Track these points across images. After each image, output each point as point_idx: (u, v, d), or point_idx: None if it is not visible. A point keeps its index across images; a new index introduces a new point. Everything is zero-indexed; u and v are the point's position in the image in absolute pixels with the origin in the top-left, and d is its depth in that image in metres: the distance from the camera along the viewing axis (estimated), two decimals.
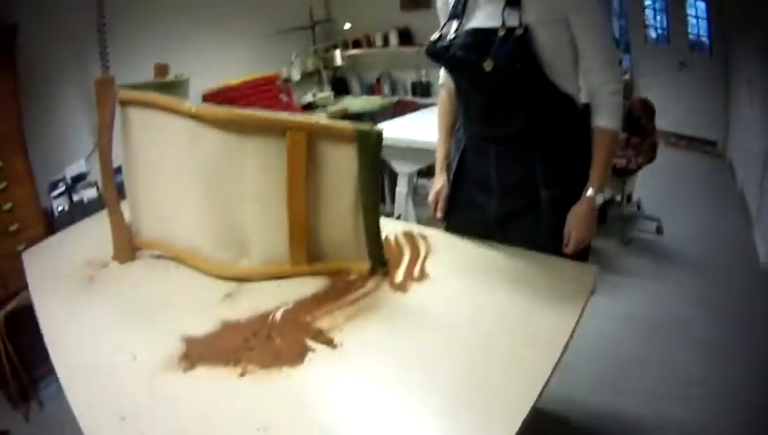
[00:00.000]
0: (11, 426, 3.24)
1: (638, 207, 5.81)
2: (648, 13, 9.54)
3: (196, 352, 1.62)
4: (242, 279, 2.04)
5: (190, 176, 2.02)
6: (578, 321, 1.71)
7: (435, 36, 2.22)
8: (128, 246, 2.23)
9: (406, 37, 7.96)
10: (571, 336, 1.64)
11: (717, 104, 7.99)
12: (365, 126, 1.90)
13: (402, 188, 4.73)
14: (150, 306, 1.90)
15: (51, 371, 1.60)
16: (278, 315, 1.80)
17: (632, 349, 3.66)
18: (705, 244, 5.19)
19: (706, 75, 8.19)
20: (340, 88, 8.34)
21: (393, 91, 8.31)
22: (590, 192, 2.10)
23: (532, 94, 2.08)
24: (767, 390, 3.17)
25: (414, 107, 6.57)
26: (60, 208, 4.30)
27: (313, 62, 7.87)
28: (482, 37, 2.04)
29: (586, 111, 2.15)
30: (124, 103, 2.10)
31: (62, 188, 4.36)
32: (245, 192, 1.99)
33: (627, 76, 9.45)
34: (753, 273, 4.57)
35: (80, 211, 4.07)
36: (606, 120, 2.08)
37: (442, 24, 2.25)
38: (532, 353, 1.57)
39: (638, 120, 5.27)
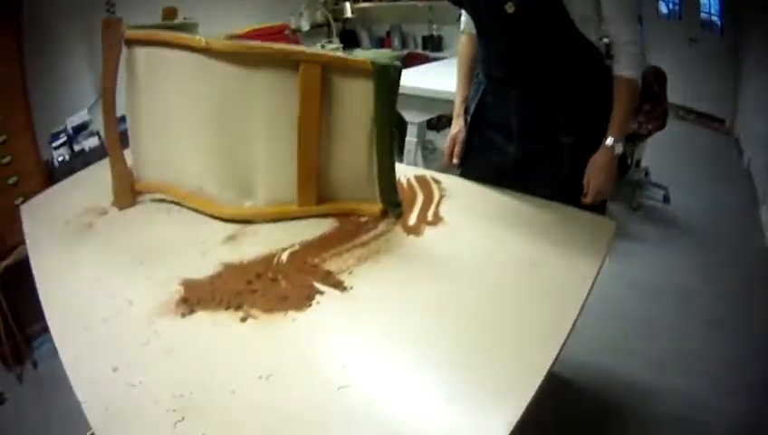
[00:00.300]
0: (4, 388, 3.17)
1: (647, 175, 5.74)
2: None
3: (196, 296, 1.52)
4: (246, 221, 1.96)
5: (196, 113, 1.94)
6: (596, 277, 1.63)
7: None
8: (128, 192, 2.14)
9: None
10: (589, 292, 1.56)
11: (726, 83, 7.97)
12: (383, 60, 1.80)
13: (412, 138, 4.61)
14: (149, 251, 1.80)
15: (45, 329, 1.50)
16: (284, 257, 1.70)
17: (637, 315, 3.62)
18: (711, 218, 5.14)
19: (716, 54, 8.16)
20: (350, 41, 8.20)
21: (403, 45, 8.18)
22: (609, 141, 2.04)
23: (555, 37, 2.02)
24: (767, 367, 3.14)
25: (424, 60, 6.47)
26: (60, 159, 4.20)
27: (322, 14, 7.71)
28: None
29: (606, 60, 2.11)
30: (131, 43, 2.00)
31: (63, 139, 4.27)
32: (253, 129, 1.89)
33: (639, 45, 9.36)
34: (758, 251, 4.54)
35: (81, 161, 3.96)
36: (625, 68, 2.02)
37: None
38: (550, 309, 1.49)
39: (650, 86, 5.21)
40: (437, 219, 1.94)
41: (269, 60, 1.80)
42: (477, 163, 2.41)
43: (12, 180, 3.62)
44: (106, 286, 1.61)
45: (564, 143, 2.14)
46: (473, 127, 2.39)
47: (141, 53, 2.00)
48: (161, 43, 1.93)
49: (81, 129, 4.34)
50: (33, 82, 3.99)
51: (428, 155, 4.99)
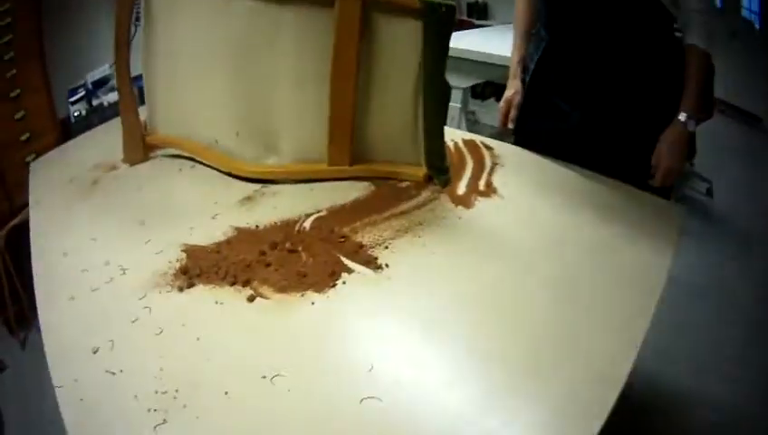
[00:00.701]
0: (6, 355, 3.05)
1: (692, 164, 5.54)
2: None
3: (197, 267, 1.28)
4: (268, 180, 1.74)
5: (216, 56, 1.73)
6: (672, 261, 1.46)
7: None
8: (139, 145, 1.94)
9: None
10: (666, 278, 1.38)
11: (765, 81, 7.84)
12: None
13: (456, 103, 4.35)
14: (153, 211, 1.59)
15: None
16: (307, 224, 1.46)
17: (674, 313, 3.37)
18: (755, 218, 4.99)
19: (755, 51, 8.08)
20: None
21: None
22: (682, 116, 1.85)
23: None
24: None
25: (470, 27, 6.25)
26: (77, 114, 4.10)
27: None
28: None
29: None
30: None
31: (81, 93, 4.18)
32: (279, 74, 1.67)
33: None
34: None
35: (98, 116, 3.88)
36: (697, 39, 1.85)
37: None
38: (627, 296, 1.29)
39: None
40: (490, 190, 1.70)
41: None
42: (535, 130, 2.19)
43: (24, 137, 3.50)
44: (100, 249, 1.41)
45: (633, 114, 1.97)
46: (531, 89, 2.18)
47: None
48: None
49: (101, 84, 4.23)
50: (53, 37, 3.91)
51: (470, 126, 4.76)
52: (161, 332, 1.11)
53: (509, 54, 2.29)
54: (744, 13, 8.38)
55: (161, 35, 1.84)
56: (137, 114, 1.91)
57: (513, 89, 2.23)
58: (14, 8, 3.40)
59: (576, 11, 1.95)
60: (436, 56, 1.59)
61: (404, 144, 1.76)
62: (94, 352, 1.07)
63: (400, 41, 1.60)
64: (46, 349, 1.10)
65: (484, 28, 5.53)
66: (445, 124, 1.72)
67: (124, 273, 1.30)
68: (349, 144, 1.72)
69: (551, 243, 1.47)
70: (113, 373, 1.02)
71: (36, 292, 1.28)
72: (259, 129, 1.76)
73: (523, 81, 2.23)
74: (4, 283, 2.98)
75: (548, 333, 1.14)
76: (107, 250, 1.39)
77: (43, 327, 1.16)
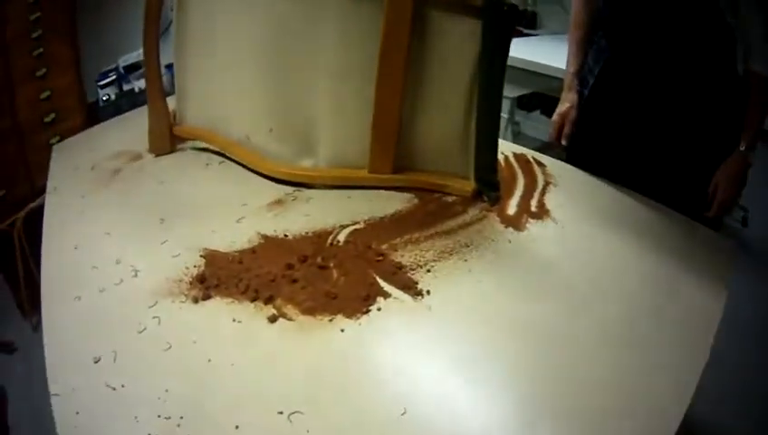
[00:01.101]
0: (17, 337, 3.05)
1: None
2: None
3: (216, 276, 1.20)
4: (302, 183, 1.65)
5: (252, 46, 1.65)
6: (724, 303, 1.36)
7: None
8: (166, 136, 1.88)
9: None
10: (719, 323, 1.29)
11: None
12: None
13: (503, 113, 4.21)
14: (174, 209, 1.52)
15: None
16: (341, 237, 1.36)
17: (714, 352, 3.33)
18: None
19: None
20: None
21: None
22: (743, 147, 1.78)
23: (700, 11, 1.72)
24: None
25: (518, 35, 6.16)
26: (106, 98, 4.06)
27: None
28: None
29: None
30: None
31: (112, 77, 4.14)
32: (319, 68, 1.56)
33: None
34: None
35: (128, 101, 3.82)
36: (761, 64, 1.72)
37: None
38: (683, 338, 1.21)
39: None
40: (543, 212, 1.59)
41: None
42: (591, 149, 2.07)
43: (49, 118, 3.45)
44: (113, 246, 1.35)
45: (693, 140, 1.86)
46: (589, 105, 2.03)
47: None
48: None
49: (133, 68, 4.18)
50: (87, 16, 3.88)
51: (514, 139, 4.67)
52: (170, 347, 1.04)
53: (558, 65, 2.23)
54: None
55: (195, 23, 1.79)
56: (165, 102, 1.87)
57: (568, 103, 2.07)
58: None
59: (643, 19, 1.83)
60: (495, 60, 1.47)
61: (453, 154, 1.64)
62: (96, 362, 1.01)
63: (456, 40, 1.48)
64: (46, 352, 1.04)
65: (533, 37, 5.42)
66: (497, 134, 1.62)
67: (136, 275, 1.23)
68: (392, 150, 1.62)
69: (607, 278, 1.36)
70: (113, 388, 0.95)
71: (42, 287, 1.23)
72: (295, 127, 1.67)
73: (579, 94, 2.08)
74: (19, 265, 2.96)
75: (600, 379, 1.06)
76: (120, 247, 1.33)
77: (44, 327, 1.10)
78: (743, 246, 4.58)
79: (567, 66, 2.14)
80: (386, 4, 1.42)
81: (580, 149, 2.10)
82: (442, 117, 1.59)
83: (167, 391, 0.94)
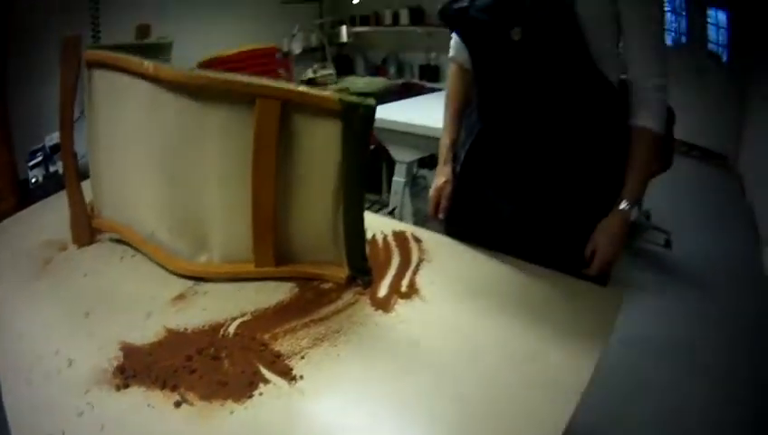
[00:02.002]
0: None
1: (648, 217, 5.62)
2: (668, 16, 9.51)
3: (133, 367, 1.35)
4: (199, 278, 1.77)
5: (149, 151, 1.79)
6: (598, 359, 1.44)
7: None
8: (86, 229, 2.01)
9: (417, 16, 7.81)
10: (591, 379, 1.37)
11: (730, 118, 8.16)
12: (353, 97, 1.57)
13: (400, 177, 4.42)
14: (96, 303, 1.65)
15: None
16: (231, 329, 1.50)
17: (635, 374, 3.47)
18: (714, 262, 5.05)
19: (721, 87, 8.31)
20: (344, 67, 8.20)
21: (400, 73, 8.15)
22: (623, 205, 1.82)
23: (568, 75, 1.79)
24: None
25: (420, 90, 6.41)
26: (34, 180, 4.19)
27: (317, 37, 7.66)
28: None
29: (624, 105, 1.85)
30: (90, 65, 1.88)
31: (39, 158, 4.24)
32: (208, 173, 1.71)
33: None
34: (762, 295, 4.46)
35: (54, 183, 3.93)
36: (648, 119, 1.79)
37: None
38: (544, 403, 1.29)
39: None
40: (412, 291, 1.71)
41: (223, 93, 1.61)
42: (467, 220, 2.16)
43: None
44: (50, 337, 1.50)
45: (569, 203, 1.93)
46: (463, 178, 2.13)
47: (100, 75, 1.88)
48: (116, 66, 1.80)
49: (58, 148, 4.20)
50: (15, 94, 3.94)
51: (420, 192, 4.83)
52: (102, 428, 1.18)
53: None
54: (711, 46, 8.50)
55: (102, 122, 1.92)
56: (82, 198, 1.98)
57: (443, 177, 2.17)
58: None
59: (512, 95, 1.91)
60: (354, 156, 1.60)
61: (326, 244, 1.76)
62: None
63: (320, 140, 1.61)
64: (11, 428, 1.19)
65: (435, 93, 5.57)
66: (364, 223, 1.71)
67: (71, 365, 1.37)
68: (272, 245, 1.74)
69: (469, 353, 1.45)
70: None
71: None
72: (190, 226, 1.79)
73: (454, 168, 2.17)
74: None
75: None
76: (56, 338, 1.47)
77: (7, 407, 1.25)
78: (667, 268, 4.85)
79: (442, 139, 2.23)
80: (256, 111, 1.56)
81: (457, 222, 2.18)
82: (313, 213, 1.71)
83: None
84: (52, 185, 3.80)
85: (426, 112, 4.18)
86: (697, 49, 8.76)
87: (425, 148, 4.08)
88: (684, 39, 9.26)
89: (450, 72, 2.27)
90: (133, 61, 1.73)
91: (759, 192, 6.10)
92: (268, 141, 1.60)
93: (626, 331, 3.84)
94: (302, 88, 1.62)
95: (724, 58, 8.39)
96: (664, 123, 1.82)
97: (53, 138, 4.21)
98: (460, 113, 2.21)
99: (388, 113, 4.34)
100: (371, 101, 1.58)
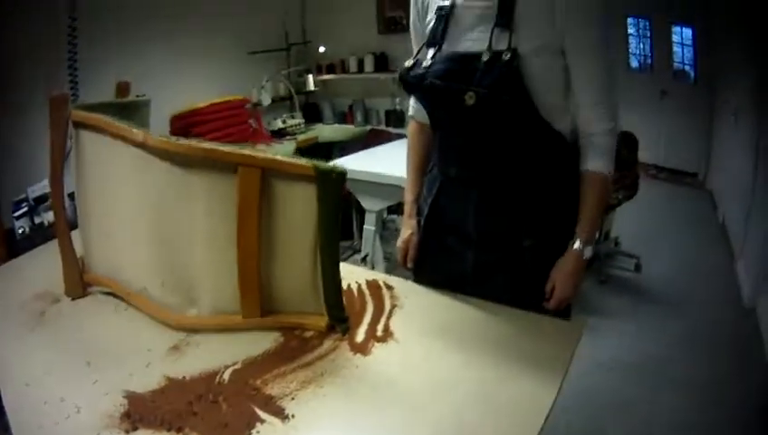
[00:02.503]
0: None
1: (617, 244, 5.80)
2: (632, 40, 9.64)
3: (138, 412, 1.47)
4: (190, 330, 1.88)
5: (138, 211, 1.89)
6: (560, 386, 1.56)
7: (409, 63, 2.04)
8: (78, 282, 2.10)
9: (382, 63, 7.94)
10: (553, 404, 1.49)
11: (699, 135, 8.29)
12: (326, 164, 1.72)
13: (370, 226, 4.57)
14: (96, 352, 1.75)
15: None
16: (225, 376, 1.64)
17: (613, 396, 3.58)
18: (686, 280, 5.19)
19: (689, 105, 8.48)
20: (312, 114, 8.25)
21: (366, 119, 8.22)
22: (577, 245, 1.93)
23: (520, 132, 1.90)
24: (752, 431, 3.16)
25: (387, 137, 6.53)
26: (21, 231, 4.22)
27: (285, 87, 7.77)
28: (463, 63, 1.85)
29: (575, 151, 1.98)
30: (77, 125, 1.98)
31: (24, 209, 4.27)
32: (195, 232, 1.82)
33: None
34: (735, 309, 4.60)
35: (41, 235, 3.96)
36: (597, 163, 1.92)
37: (416, 48, 2.10)
38: (512, 428, 1.42)
39: (619, 153, 5.23)
40: (387, 334, 1.84)
41: (206, 161, 1.74)
42: (432, 268, 2.26)
43: None
44: (56, 385, 1.59)
45: (526, 247, 2.01)
46: (427, 229, 2.24)
47: (87, 135, 1.97)
48: (104, 130, 1.91)
49: (42, 200, 4.32)
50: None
51: (390, 236, 4.94)
52: None
53: None
54: (678, 65, 8.58)
55: (90, 179, 2.01)
56: (74, 253, 2.07)
57: (409, 229, 2.28)
58: None
59: (468, 151, 2.01)
60: (329, 215, 1.73)
61: (307, 296, 1.86)
62: None
63: (298, 203, 1.74)
64: None
65: (401, 140, 5.58)
66: (339, 277, 1.81)
67: (78, 411, 1.46)
68: (258, 298, 1.84)
69: (442, 387, 1.57)
70: None
71: (9, 417, 1.45)
72: (180, 282, 1.88)
73: (418, 221, 2.27)
74: None
75: None
76: (61, 386, 1.56)
77: None
78: (639, 292, 4.97)
79: (405, 195, 2.34)
80: (238, 178, 1.69)
81: (424, 270, 2.30)
82: (294, 268, 1.83)
83: None
84: (39, 236, 3.85)
85: (392, 161, 4.31)
86: (663, 70, 8.91)
87: (393, 196, 4.17)
88: (649, 63, 9.40)
89: (410, 129, 2.38)
90: (122, 127, 1.85)
91: (729, 206, 6.22)
92: (251, 205, 1.73)
93: (604, 354, 4.01)
94: (280, 157, 1.77)
95: (692, 76, 8.52)
96: (613, 163, 1.93)
97: (36, 189, 4.28)
98: (421, 169, 2.32)
99: (357, 164, 4.47)
100: (342, 168, 1.72)
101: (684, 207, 7.44)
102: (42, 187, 4.31)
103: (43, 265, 2.29)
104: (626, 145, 5.20)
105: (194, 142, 1.76)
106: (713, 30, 7.88)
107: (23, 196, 4.26)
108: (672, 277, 5.28)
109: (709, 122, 8.15)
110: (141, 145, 1.79)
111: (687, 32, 8.57)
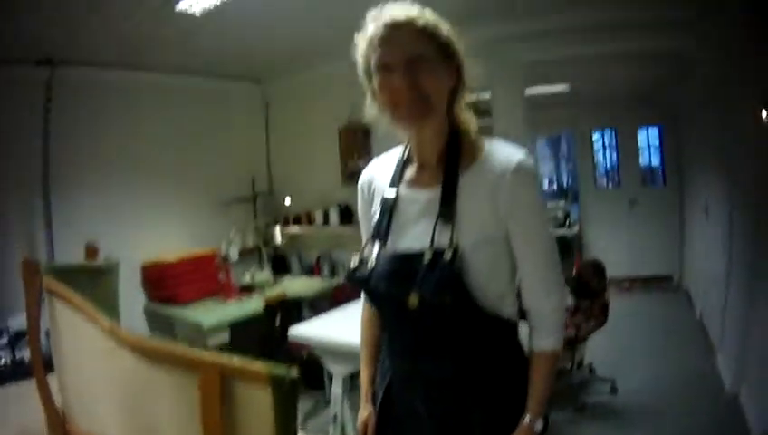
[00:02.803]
0: None
1: (591, 371, 5.77)
2: (598, 153, 9.88)
3: None
4: None
5: (109, 391, 1.86)
6: None
7: (354, 262, 2.10)
8: (61, 431, 2.05)
9: (347, 215, 7.99)
10: None
11: (671, 237, 8.52)
12: (280, 369, 1.72)
13: (337, 389, 4.54)
14: None
15: None
16: None
17: None
18: (665, 388, 5.21)
19: (659, 208, 8.73)
20: (280, 266, 8.30)
21: (333, 272, 8.26)
22: (527, 419, 1.92)
23: (465, 330, 1.92)
24: None
25: (356, 293, 6.51)
26: (2, 362, 4.21)
27: (253, 239, 7.86)
28: (405, 264, 1.90)
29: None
30: (51, 292, 1.96)
31: (5, 340, 4.31)
32: (163, 426, 1.76)
33: (576, 228, 9.72)
34: (718, 403, 4.63)
35: (22, 371, 3.97)
36: (546, 340, 1.96)
37: (365, 236, 2.17)
38: None
39: (588, 284, 5.28)
40: None
41: (169, 360, 1.71)
42: None
43: None
44: None
45: (476, 423, 1.97)
46: (382, 413, 2.23)
47: (60, 307, 1.96)
48: (74, 305, 1.88)
49: (22, 335, 4.37)
50: None
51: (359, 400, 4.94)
52: None
53: None
54: (645, 168, 8.76)
55: (65, 343, 1.98)
56: (55, 408, 2.04)
57: (366, 411, 2.27)
58: None
59: (416, 344, 2.01)
60: (284, 416, 1.59)
61: None
62: None
63: (255, 406, 1.63)
64: None
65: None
66: None
67: None
68: None
69: None
70: None
71: None
72: None
73: (375, 404, 2.26)
74: None
75: None
76: None
77: None
78: (616, 414, 4.96)
79: (362, 375, 2.35)
80: (199, 381, 1.61)
81: None
82: None
83: None
84: (20, 372, 3.86)
85: (358, 326, 4.24)
86: (631, 180, 9.12)
87: (357, 362, 4.07)
88: (616, 175, 9.63)
89: (363, 316, 2.42)
90: (91, 312, 1.82)
91: (706, 300, 6.34)
92: (212, 407, 1.66)
93: None
94: (237, 361, 1.75)
95: (661, 178, 8.71)
96: (562, 339, 1.97)
97: (15, 324, 4.35)
98: (374, 358, 2.34)
99: (322, 330, 4.56)
100: (294, 372, 1.70)
101: (659, 313, 7.55)
102: (21, 321, 4.30)
103: (26, 402, 2.32)
104: (595, 274, 5.27)
105: (158, 343, 1.73)
106: (678, 127, 8.08)
107: (4, 325, 4.34)
108: (650, 390, 5.29)
109: (680, 222, 8.34)
110: (107, 332, 1.78)
111: (654, 131, 8.80)
